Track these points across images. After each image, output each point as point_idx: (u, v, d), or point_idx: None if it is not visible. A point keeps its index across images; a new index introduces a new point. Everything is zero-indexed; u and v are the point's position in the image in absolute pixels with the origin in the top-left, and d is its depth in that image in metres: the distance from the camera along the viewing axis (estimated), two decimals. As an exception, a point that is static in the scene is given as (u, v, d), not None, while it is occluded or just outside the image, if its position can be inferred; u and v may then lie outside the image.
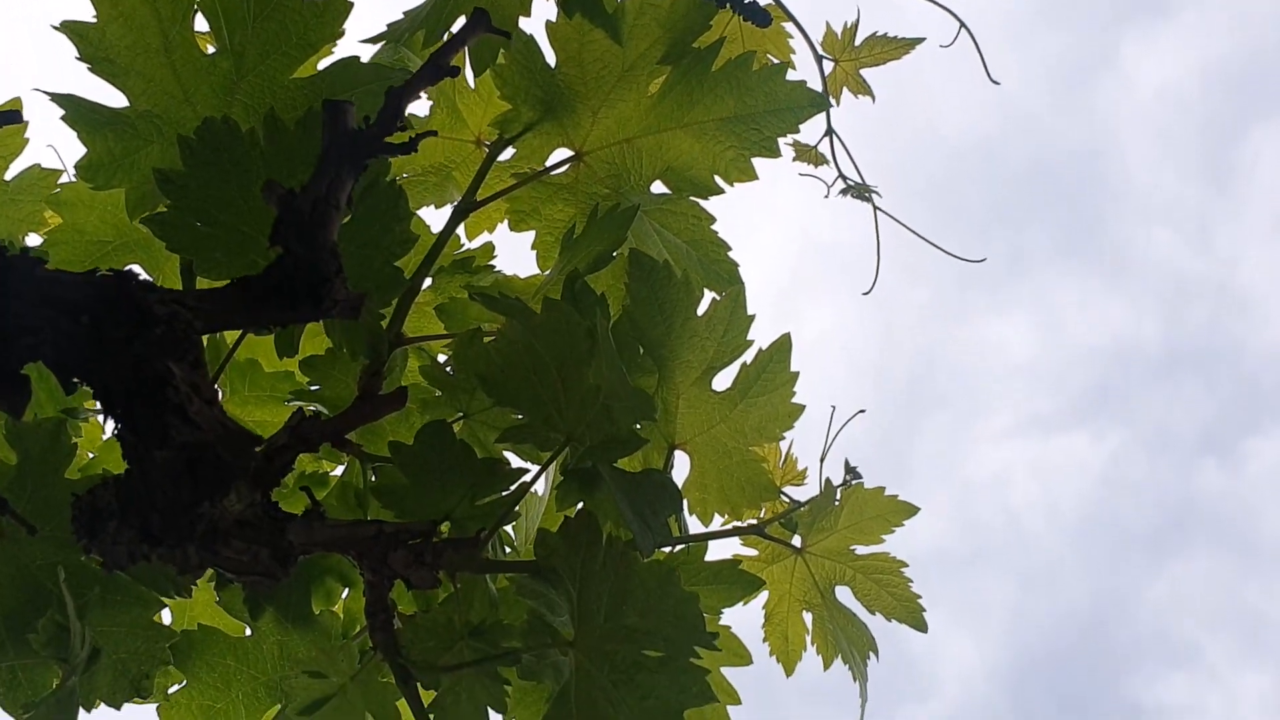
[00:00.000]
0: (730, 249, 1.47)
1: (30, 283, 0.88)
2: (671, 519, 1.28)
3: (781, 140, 1.43)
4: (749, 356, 1.38)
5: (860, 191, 2.04)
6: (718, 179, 1.44)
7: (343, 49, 1.29)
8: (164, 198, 1.18)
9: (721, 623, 1.41)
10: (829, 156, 2.07)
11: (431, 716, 1.17)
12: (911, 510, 1.53)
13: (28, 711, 1.21)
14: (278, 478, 1.06)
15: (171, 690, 1.35)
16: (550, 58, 1.38)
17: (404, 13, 1.41)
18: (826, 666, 1.56)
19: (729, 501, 1.44)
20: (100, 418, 1.52)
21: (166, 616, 1.42)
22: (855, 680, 1.51)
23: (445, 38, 1.29)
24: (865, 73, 2.08)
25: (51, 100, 1.24)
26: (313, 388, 1.38)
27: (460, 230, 1.49)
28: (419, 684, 1.17)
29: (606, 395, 1.18)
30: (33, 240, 1.59)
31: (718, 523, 1.46)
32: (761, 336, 1.39)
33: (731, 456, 1.42)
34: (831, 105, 2.05)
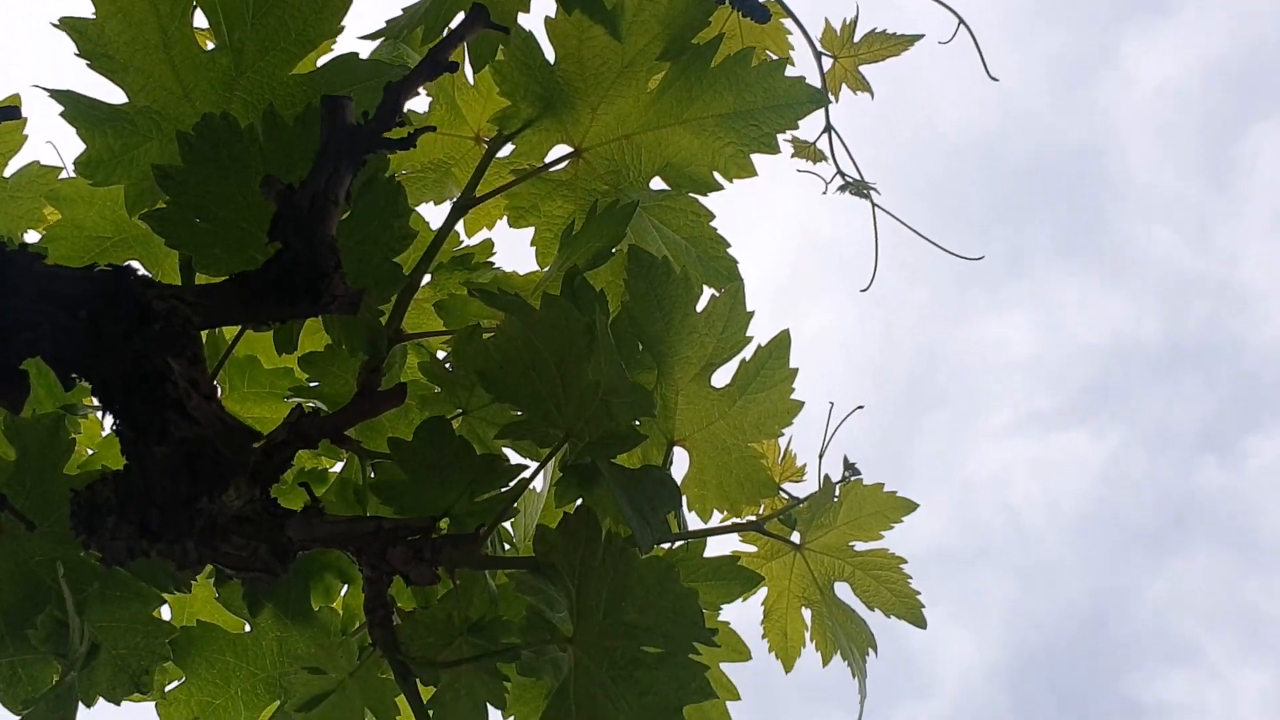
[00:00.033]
0: (729, 245, 1.47)
1: (28, 278, 0.88)
2: (670, 515, 1.28)
3: (780, 137, 1.43)
4: (748, 353, 1.38)
5: (859, 188, 2.04)
6: (717, 175, 1.44)
7: (342, 45, 1.30)
8: (163, 194, 1.18)
9: (720, 619, 1.42)
10: (827, 153, 2.07)
11: (430, 713, 1.18)
12: (910, 506, 1.53)
13: (27, 707, 1.21)
14: (277, 474, 1.06)
15: (170, 687, 1.35)
16: (549, 54, 1.38)
17: (403, 9, 1.41)
18: (825, 663, 1.57)
19: (728, 498, 1.44)
20: (99, 414, 1.52)
21: (166, 613, 1.42)
22: (854, 676, 1.51)
23: (444, 34, 1.28)
24: (864, 69, 2.08)
25: (50, 96, 1.24)
26: (312, 384, 1.38)
27: (459, 227, 1.49)
28: (418, 680, 1.17)
29: (606, 391, 1.18)
30: (31, 237, 1.59)
31: (717, 519, 1.46)
32: (761, 334, 1.40)
33: (730, 453, 1.42)
34: (830, 102, 2.05)
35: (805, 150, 2.11)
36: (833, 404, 1.58)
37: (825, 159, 2.10)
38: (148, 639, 1.26)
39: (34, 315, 0.87)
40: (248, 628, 1.37)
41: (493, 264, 1.53)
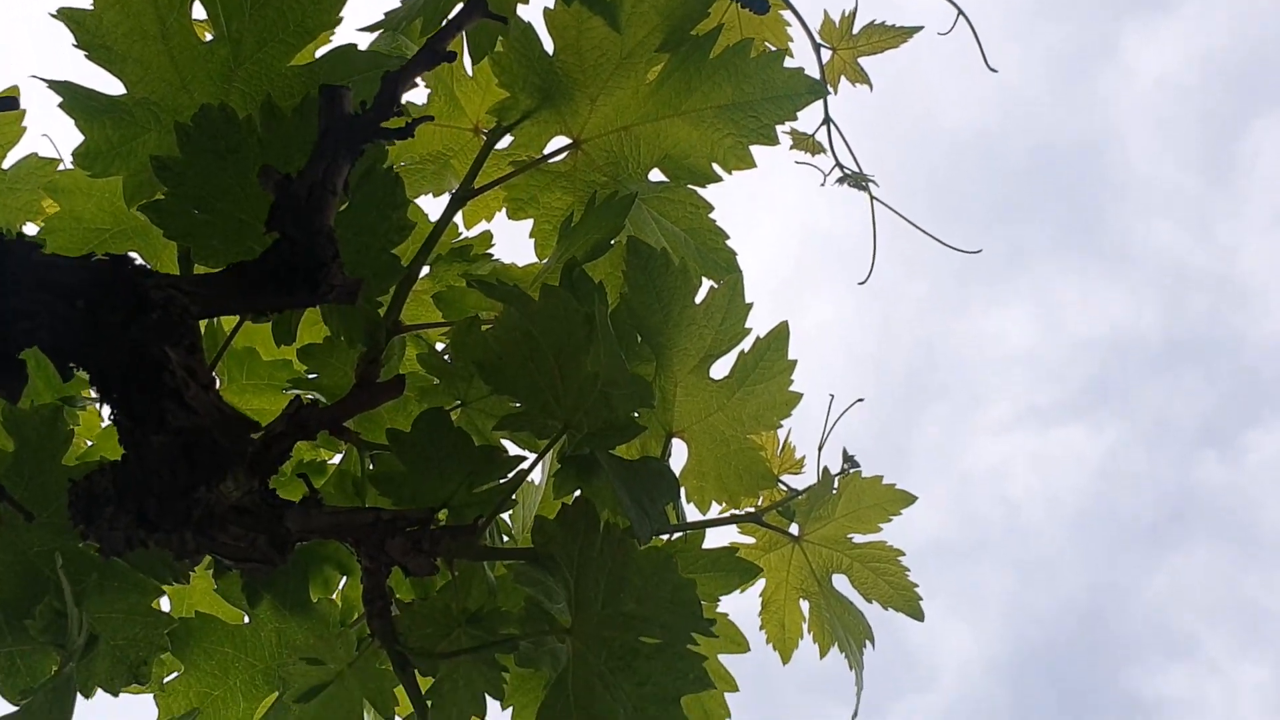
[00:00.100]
0: (728, 237, 1.47)
1: (26, 267, 0.88)
2: (669, 507, 1.29)
3: (779, 129, 1.43)
4: (747, 344, 1.38)
5: (857, 180, 2.04)
6: (716, 167, 1.44)
7: (340, 37, 1.30)
8: (161, 185, 1.18)
9: (719, 610, 1.42)
10: (826, 145, 2.07)
11: (429, 703, 1.18)
12: (909, 499, 1.53)
13: (25, 698, 1.21)
14: (275, 465, 1.06)
15: (169, 678, 1.35)
16: (548, 45, 1.38)
17: (401, 1, 1.41)
18: (823, 654, 1.57)
19: (726, 489, 1.44)
20: (98, 405, 1.52)
21: (165, 604, 1.43)
22: (851, 668, 1.51)
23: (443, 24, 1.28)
24: (863, 62, 2.08)
25: (49, 87, 1.24)
26: (310, 376, 1.38)
27: (458, 219, 1.49)
28: (416, 671, 1.17)
29: (604, 382, 1.18)
30: (30, 229, 1.59)
31: (715, 510, 1.46)
32: (760, 326, 1.40)
33: (729, 444, 1.42)
34: (829, 94, 2.05)
35: (804, 142, 2.11)
36: (832, 396, 1.58)
37: (824, 151, 2.10)
38: (146, 630, 1.26)
39: (31, 305, 0.87)
40: (246, 619, 1.37)
41: (491, 256, 1.53)
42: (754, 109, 1.39)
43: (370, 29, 1.40)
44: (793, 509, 1.55)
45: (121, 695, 1.29)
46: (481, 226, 1.55)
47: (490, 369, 1.20)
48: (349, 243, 1.19)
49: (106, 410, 0.93)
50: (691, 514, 1.43)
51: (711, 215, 1.47)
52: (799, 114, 1.43)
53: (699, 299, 1.36)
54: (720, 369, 1.39)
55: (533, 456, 1.25)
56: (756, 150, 1.44)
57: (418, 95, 1.50)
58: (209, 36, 1.25)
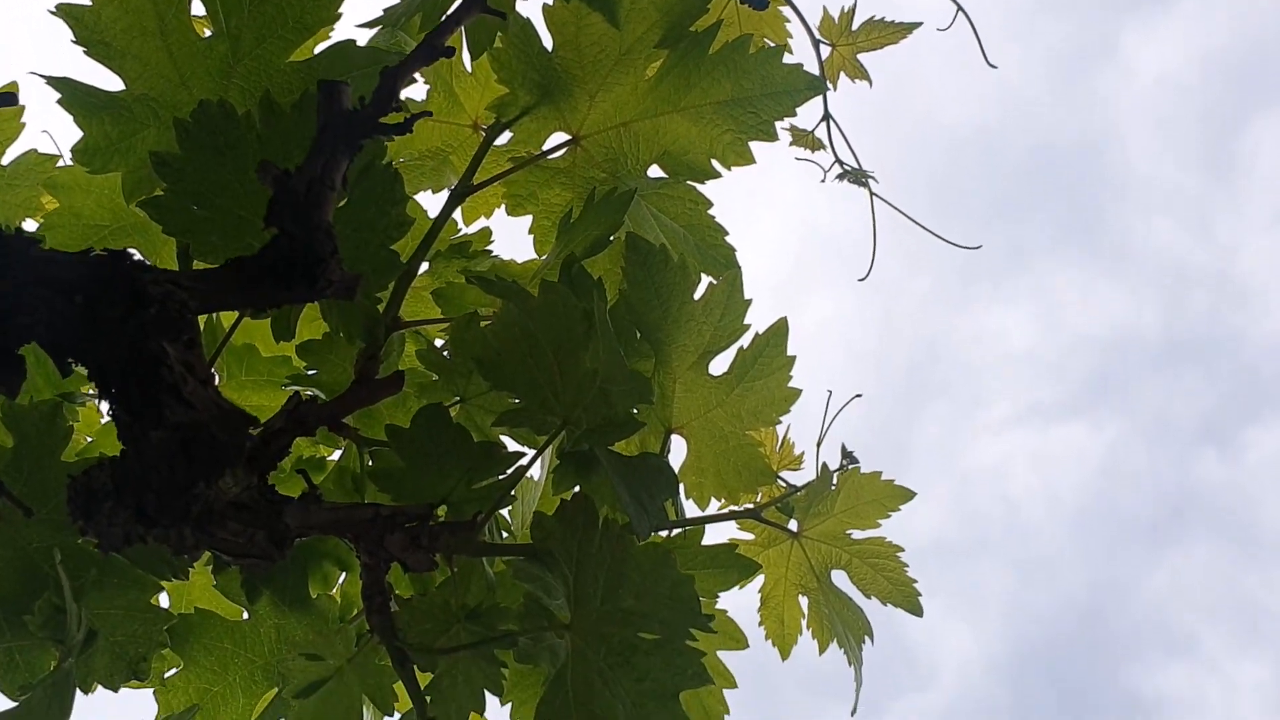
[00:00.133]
0: (727, 233, 1.47)
1: (24, 262, 0.88)
2: (668, 502, 1.29)
3: (779, 125, 1.43)
4: (746, 340, 1.38)
5: (857, 177, 2.04)
6: (715, 163, 1.44)
7: (339, 33, 1.30)
8: (160, 181, 1.18)
9: (718, 607, 1.42)
10: (826, 142, 2.08)
11: (428, 699, 1.18)
12: (907, 495, 1.53)
13: (25, 694, 1.21)
14: (274, 461, 1.06)
15: (168, 674, 1.35)
16: (547, 41, 1.38)
17: (400, -4, 1.41)
18: (822, 650, 1.57)
19: (725, 485, 1.44)
20: (97, 402, 1.52)
21: (164, 600, 1.43)
22: (850, 664, 1.51)
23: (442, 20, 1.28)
24: (863, 59, 2.08)
25: (47, 84, 1.24)
26: (310, 372, 1.38)
27: (457, 215, 1.49)
28: (415, 666, 1.17)
29: (603, 378, 1.18)
30: (29, 225, 1.58)
31: (714, 507, 1.46)
32: (759, 323, 1.40)
33: (728, 440, 1.42)
34: (829, 90, 2.05)
35: (803, 138, 2.12)
36: (831, 392, 1.58)
37: (823, 147, 2.10)
38: (145, 626, 1.26)
39: (30, 299, 0.87)
40: (246, 615, 1.37)
41: (491, 252, 1.53)
42: (753, 105, 1.39)
43: (369, 25, 1.40)
44: (792, 505, 1.55)
45: (121, 691, 1.30)
46: (481, 223, 1.55)
47: (489, 365, 1.20)
48: (348, 239, 1.19)
49: (105, 406, 0.93)
50: (690, 510, 1.43)
51: (710, 211, 1.47)
52: (798, 110, 1.43)
53: (698, 295, 1.36)
54: (719, 365, 1.39)
55: (532, 452, 1.25)
56: (756, 147, 1.44)
57: (417, 91, 1.50)
58: (208, 33, 1.25)
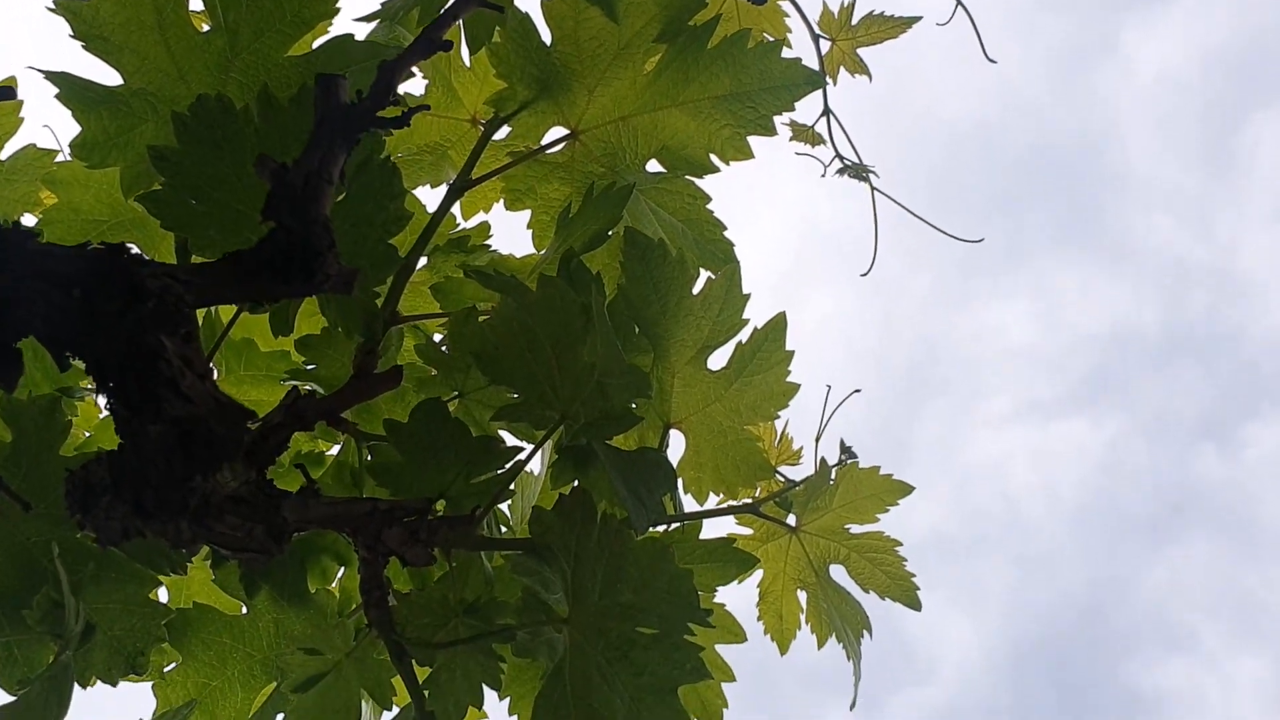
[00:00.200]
0: (725, 228, 1.47)
1: (22, 256, 0.88)
2: (666, 497, 1.29)
3: (778, 120, 1.43)
4: (744, 335, 1.38)
5: (857, 171, 2.04)
6: (713, 157, 1.44)
7: (338, 27, 1.29)
8: (158, 175, 1.18)
9: (716, 601, 1.42)
10: (826, 137, 2.07)
11: (426, 693, 1.18)
12: (906, 489, 1.53)
13: (23, 688, 1.21)
14: (273, 456, 1.06)
15: (167, 668, 1.35)
16: (546, 36, 1.38)
17: (399, -9, 1.40)
18: (821, 645, 1.57)
19: (724, 480, 1.44)
20: (96, 397, 1.52)
21: (163, 595, 1.43)
22: (849, 658, 1.52)
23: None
24: (863, 54, 2.08)
25: (46, 78, 1.24)
26: (308, 367, 1.38)
27: (456, 210, 1.49)
28: (414, 661, 1.17)
29: (601, 373, 1.18)
30: (28, 220, 1.58)
31: (713, 501, 1.46)
32: (759, 319, 1.40)
33: (726, 435, 1.42)
34: (828, 85, 2.05)
35: (803, 133, 2.12)
36: (830, 387, 1.58)
37: (824, 142, 2.10)
38: (144, 620, 1.26)
39: (27, 293, 0.87)
40: (244, 609, 1.37)
41: (489, 247, 1.53)
42: (752, 99, 1.39)
43: (367, 19, 1.40)
44: (790, 500, 1.55)
45: (120, 685, 1.30)
46: (479, 217, 1.55)
47: (488, 360, 1.21)
48: (346, 233, 1.18)
49: (103, 400, 0.93)
50: (689, 505, 1.43)
51: (709, 206, 1.47)
52: (799, 105, 1.43)
53: (696, 290, 1.36)
54: (718, 360, 1.39)
55: (530, 447, 1.25)
56: (756, 142, 1.44)
57: (415, 86, 1.50)
58: (206, 27, 1.25)
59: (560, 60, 1.38)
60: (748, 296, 1.37)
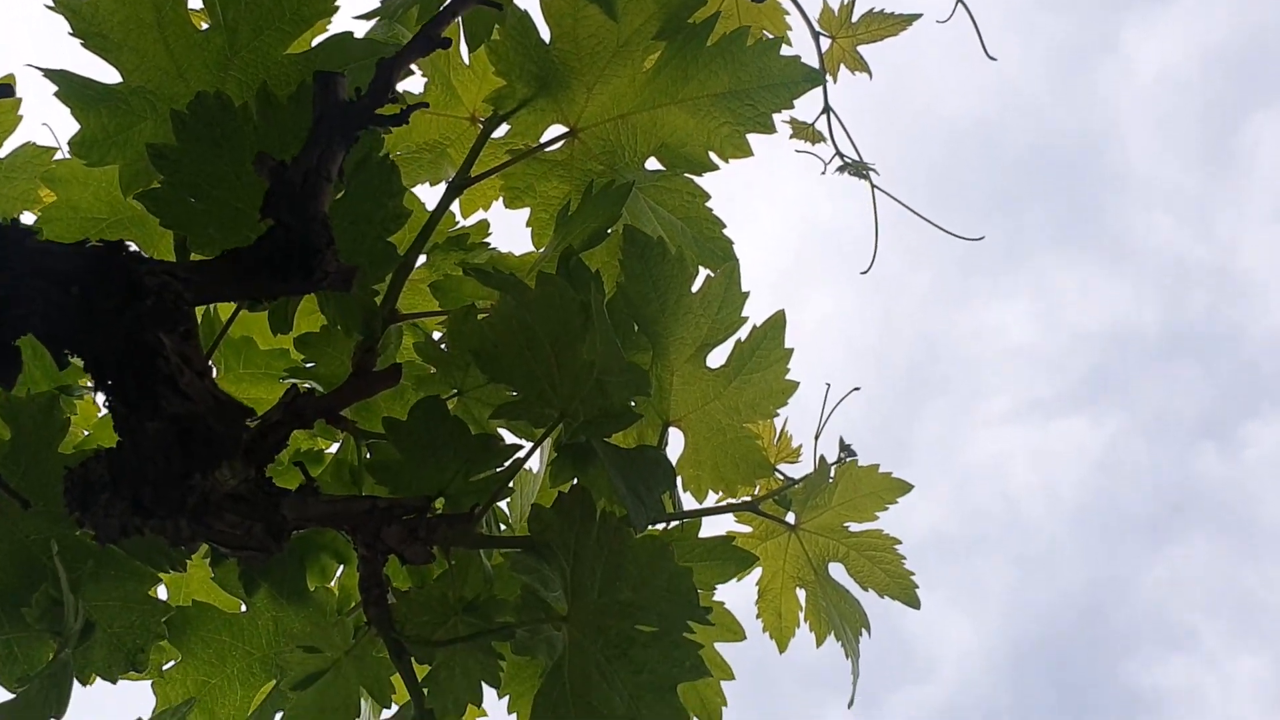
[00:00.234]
0: (725, 226, 1.47)
1: (20, 253, 0.88)
2: (665, 495, 1.29)
3: (778, 117, 1.43)
4: (743, 333, 1.38)
5: (858, 169, 2.04)
6: (712, 155, 1.44)
7: (337, 25, 1.29)
8: (157, 173, 1.18)
9: (715, 599, 1.42)
10: (826, 134, 2.07)
11: (426, 691, 1.18)
12: (905, 487, 1.53)
13: (23, 685, 1.21)
14: (271, 454, 1.06)
15: (166, 666, 1.35)
16: (545, 33, 1.37)
17: (398, -11, 1.40)
18: (819, 643, 1.57)
19: (723, 478, 1.44)
20: (94, 395, 1.52)
21: (162, 592, 1.43)
22: (847, 656, 1.52)
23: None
24: (863, 52, 2.08)
25: (45, 76, 1.24)
26: (307, 365, 1.38)
27: (455, 208, 1.49)
28: (413, 659, 1.17)
29: (600, 371, 1.18)
30: (27, 218, 1.58)
31: (712, 499, 1.46)
32: (758, 317, 1.40)
33: (726, 433, 1.42)
34: (829, 82, 2.05)
35: (804, 131, 2.11)
36: (829, 385, 1.58)
37: (824, 140, 2.10)
38: (143, 618, 1.26)
39: (26, 291, 0.87)
40: (244, 607, 1.37)
41: (488, 244, 1.53)
42: (751, 97, 1.39)
43: (366, 16, 1.40)
44: (789, 498, 1.55)
45: (119, 684, 1.30)
46: (478, 215, 1.55)
47: (487, 357, 1.21)
48: (345, 231, 1.18)
49: (102, 398, 0.93)
50: (688, 502, 1.43)
51: (708, 204, 1.47)
52: (798, 102, 1.43)
53: (695, 288, 1.36)
54: (717, 358, 1.39)
55: (529, 445, 1.25)
56: (755, 140, 1.44)
57: (414, 84, 1.50)
58: (205, 25, 1.25)
59: (559, 58, 1.38)
60: (747, 294, 1.37)
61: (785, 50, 1.39)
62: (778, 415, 1.44)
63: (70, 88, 1.24)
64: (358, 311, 1.26)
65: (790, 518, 1.56)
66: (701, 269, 1.41)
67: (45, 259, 0.88)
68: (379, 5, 1.41)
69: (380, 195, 1.21)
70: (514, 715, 1.36)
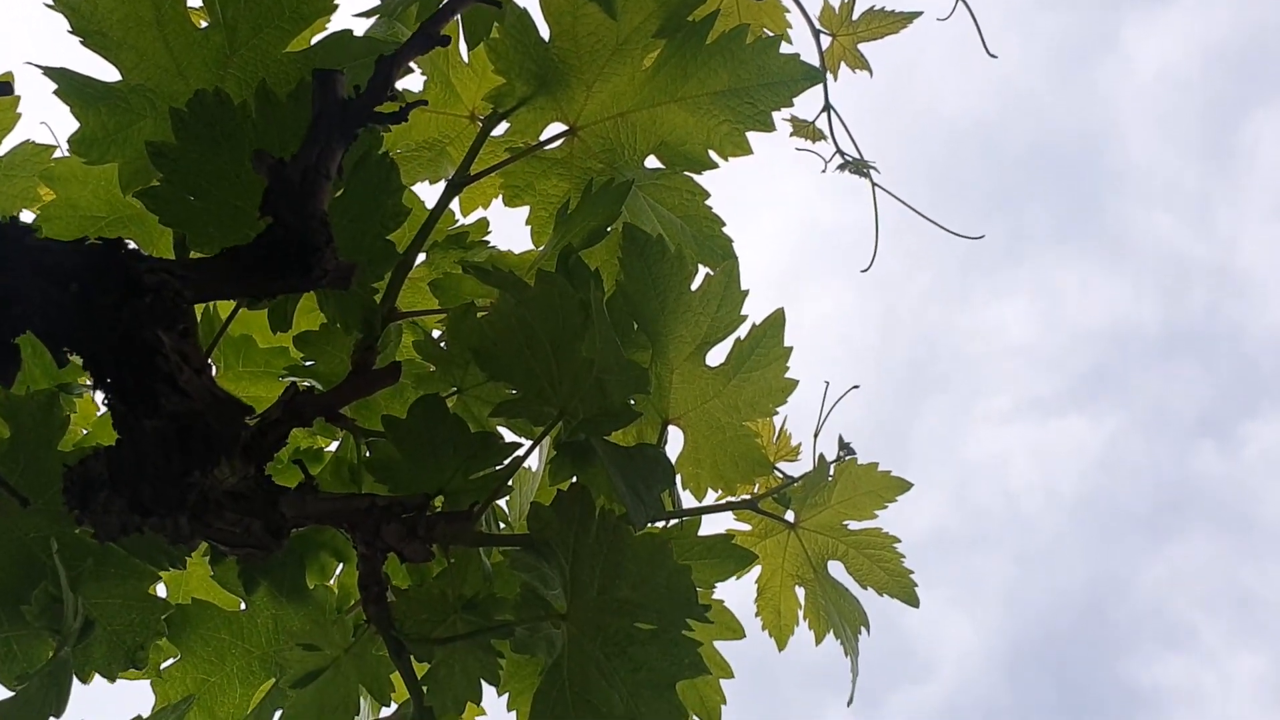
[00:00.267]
0: (724, 224, 1.47)
1: (19, 251, 0.88)
2: (665, 493, 1.29)
3: (778, 115, 1.43)
4: (743, 332, 1.38)
5: (858, 167, 2.04)
6: (712, 153, 1.44)
7: (336, 23, 1.29)
8: (156, 171, 1.18)
9: (714, 597, 1.42)
10: (827, 132, 2.07)
11: (425, 689, 1.18)
12: (904, 486, 1.53)
13: (22, 682, 1.21)
14: (271, 452, 1.06)
15: (165, 664, 1.35)
16: (544, 31, 1.37)
17: (397, -14, 1.40)
18: (818, 641, 1.57)
19: (722, 476, 1.44)
20: (94, 393, 1.52)
21: (161, 590, 1.43)
22: (846, 655, 1.52)
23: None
24: (864, 51, 2.08)
25: (44, 74, 1.24)
26: (307, 363, 1.38)
27: (455, 206, 1.49)
28: (412, 656, 1.17)
29: (600, 369, 1.18)
30: (26, 217, 1.58)
31: (711, 497, 1.46)
32: (758, 316, 1.40)
33: (725, 431, 1.42)
34: (829, 80, 2.05)
35: (804, 129, 2.11)
36: (828, 383, 1.58)
37: (824, 138, 2.10)
38: (143, 615, 1.26)
39: (24, 289, 0.87)
40: (243, 605, 1.37)
41: (488, 243, 1.53)
42: (750, 95, 1.39)
43: (366, 14, 1.40)
44: (788, 496, 1.55)
45: (119, 682, 1.30)
46: (478, 213, 1.55)
47: (486, 355, 1.20)
48: (344, 229, 1.18)
49: (101, 396, 0.93)
50: (687, 501, 1.43)
51: (708, 202, 1.47)
52: (799, 100, 1.43)
53: (695, 286, 1.36)
54: (716, 356, 1.39)
55: (528, 443, 1.25)
56: (756, 138, 1.44)
57: (414, 82, 1.50)
58: (204, 23, 1.25)
59: (558, 56, 1.38)
60: (746, 292, 1.37)
61: (785, 48, 1.39)
62: (777, 413, 1.44)
63: (69, 86, 1.24)
64: (357, 309, 1.26)
65: (789, 516, 1.56)
66: (701, 267, 1.41)
67: (44, 257, 0.88)
68: (378, 3, 1.41)
69: (379, 193, 1.21)
70: (513, 713, 1.36)
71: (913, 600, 1.55)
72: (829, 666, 1.57)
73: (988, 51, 2.03)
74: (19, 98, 1.54)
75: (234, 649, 1.36)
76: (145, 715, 1.34)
